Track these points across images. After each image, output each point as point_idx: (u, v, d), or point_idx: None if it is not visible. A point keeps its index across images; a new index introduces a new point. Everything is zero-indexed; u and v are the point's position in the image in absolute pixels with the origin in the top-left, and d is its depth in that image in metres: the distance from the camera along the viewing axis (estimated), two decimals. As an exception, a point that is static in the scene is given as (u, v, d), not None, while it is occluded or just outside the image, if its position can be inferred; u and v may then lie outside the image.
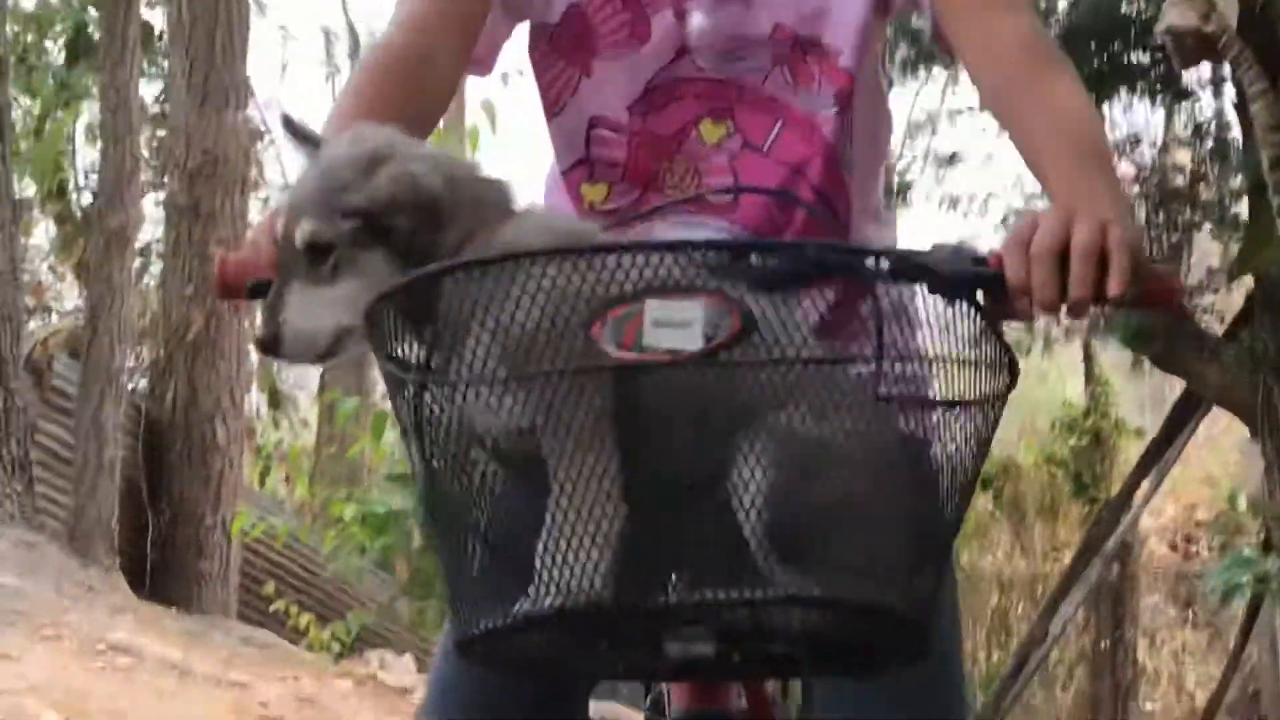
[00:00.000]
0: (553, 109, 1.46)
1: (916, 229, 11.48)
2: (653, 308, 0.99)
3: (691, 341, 0.98)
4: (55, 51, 10.65)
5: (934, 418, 1.04)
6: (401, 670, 7.35)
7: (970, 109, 7.50)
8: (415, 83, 1.35)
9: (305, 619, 7.49)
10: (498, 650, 1.12)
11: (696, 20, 1.39)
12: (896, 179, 7.10)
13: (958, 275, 1.01)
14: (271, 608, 7.84)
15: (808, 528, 1.00)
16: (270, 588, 7.93)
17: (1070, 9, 5.92)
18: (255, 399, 10.24)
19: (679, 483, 1.01)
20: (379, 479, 8.09)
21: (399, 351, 1.06)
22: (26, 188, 10.37)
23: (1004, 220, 7.34)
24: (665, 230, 1.34)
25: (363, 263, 1.10)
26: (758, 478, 0.99)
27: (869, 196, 1.47)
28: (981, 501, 9.77)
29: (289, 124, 1.24)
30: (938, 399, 1.03)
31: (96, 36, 9.54)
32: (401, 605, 7.65)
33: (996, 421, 1.05)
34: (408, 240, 1.09)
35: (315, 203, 1.12)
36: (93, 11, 10.22)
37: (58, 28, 10.54)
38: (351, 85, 1.42)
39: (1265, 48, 4.01)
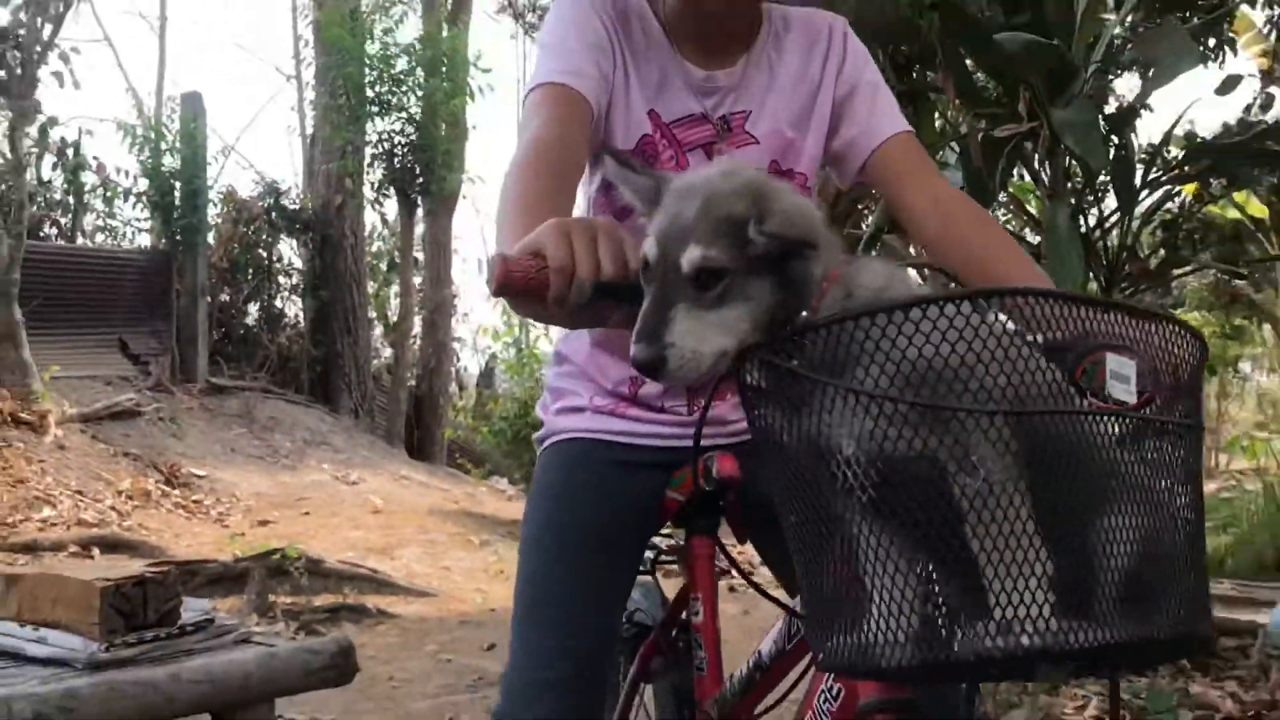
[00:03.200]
0: (621, 214, 1.54)
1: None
2: (1111, 361, 0.96)
3: (1129, 396, 0.95)
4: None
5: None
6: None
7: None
8: (567, 173, 1.43)
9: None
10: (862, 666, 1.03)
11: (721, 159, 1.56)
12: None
13: None
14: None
15: (1151, 575, 0.97)
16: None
17: None
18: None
19: (1075, 527, 0.95)
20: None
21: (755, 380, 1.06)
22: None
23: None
24: None
25: (753, 290, 1.04)
26: (1128, 526, 0.95)
27: None
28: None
29: (615, 155, 1.28)
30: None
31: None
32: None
33: None
34: (799, 271, 1.06)
35: (707, 232, 1.05)
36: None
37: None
38: (515, 179, 1.37)
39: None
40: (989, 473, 0.94)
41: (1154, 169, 3.07)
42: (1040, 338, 0.96)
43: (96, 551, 7.11)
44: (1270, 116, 12.96)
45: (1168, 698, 4.06)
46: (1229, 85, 7.53)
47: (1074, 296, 1.00)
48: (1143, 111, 3.09)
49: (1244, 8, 7.27)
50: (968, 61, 2.67)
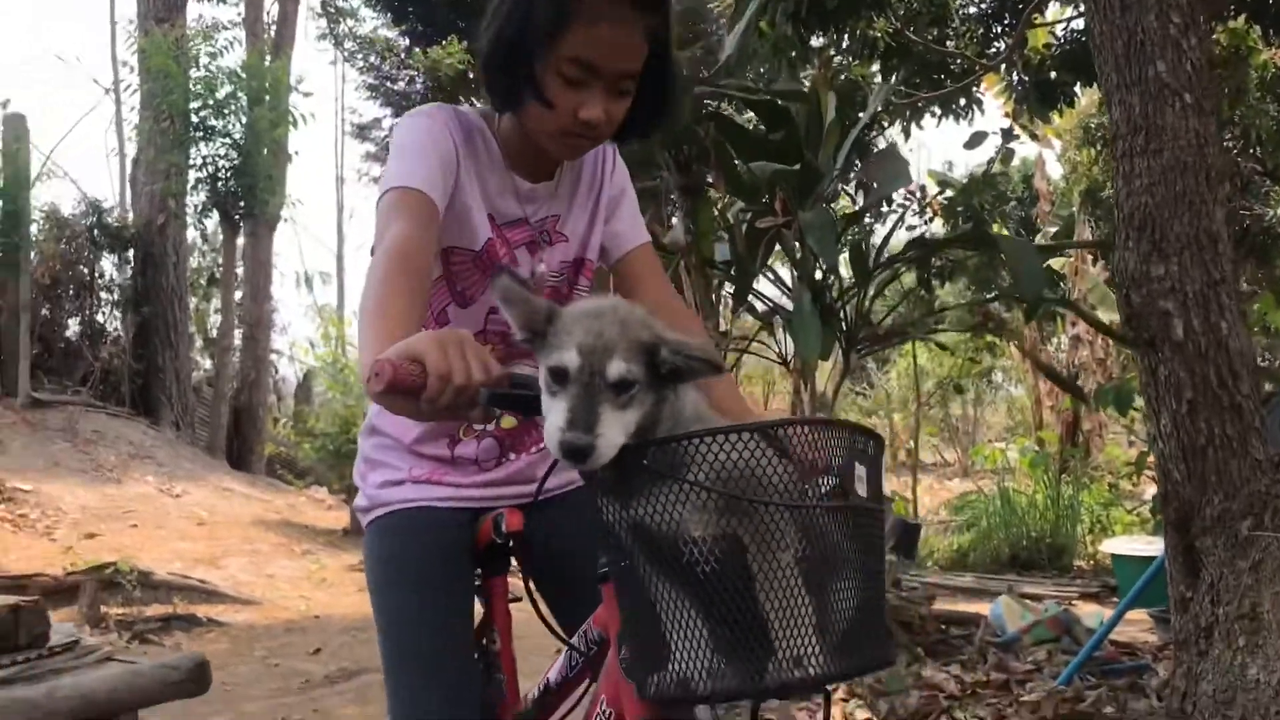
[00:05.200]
0: (463, 301, 1.72)
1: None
2: (858, 470, 1.26)
3: (865, 492, 1.26)
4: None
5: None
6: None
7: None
8: (424, 275, 1.54)
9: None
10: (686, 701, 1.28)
11: (542, 264, 1.82)
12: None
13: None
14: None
15: (864, 618, 1.24)
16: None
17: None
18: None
19: (830, 579, 1.21)
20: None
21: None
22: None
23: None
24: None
25: (648, 400, 1.24)
26: (848, 584, 1.23)
27: None
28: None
29: (514, 278, 1.32)
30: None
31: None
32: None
33: None
34: (677, 388, 1.28)
35: (626, 349, 1.22)
36: None
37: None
38: (383, 277, 1.45)
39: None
40: (783, 548, 1.17)
41: (883, 254, 3.57)
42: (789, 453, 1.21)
43: (-78, 568, 6.90)
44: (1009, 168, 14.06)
45: (900, 680, 4.57)
46: (976, 140, 8.24)
47: (814, 421, 1.26)
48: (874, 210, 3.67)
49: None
50: (736, 163, 3.07)
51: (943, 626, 5.60)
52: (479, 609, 1.91)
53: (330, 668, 5.65)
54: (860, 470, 1.26)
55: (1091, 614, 5.71)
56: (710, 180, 3.17)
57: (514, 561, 1.91)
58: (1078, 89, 8.21)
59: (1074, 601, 7.14)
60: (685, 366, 1.25)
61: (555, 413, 1.22)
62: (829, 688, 1.31)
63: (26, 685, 2.59)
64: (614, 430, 1.20)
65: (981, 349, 14.16)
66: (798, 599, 1.18)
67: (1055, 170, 14.40)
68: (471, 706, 1.73)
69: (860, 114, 3.57)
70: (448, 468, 1.86)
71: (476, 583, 1.88)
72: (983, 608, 6.10)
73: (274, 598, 7.60)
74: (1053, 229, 13.28)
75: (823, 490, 1.23)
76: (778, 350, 3.57)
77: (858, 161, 5.07)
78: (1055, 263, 12.34)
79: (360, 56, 20.42)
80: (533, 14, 1.59)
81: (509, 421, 1.86)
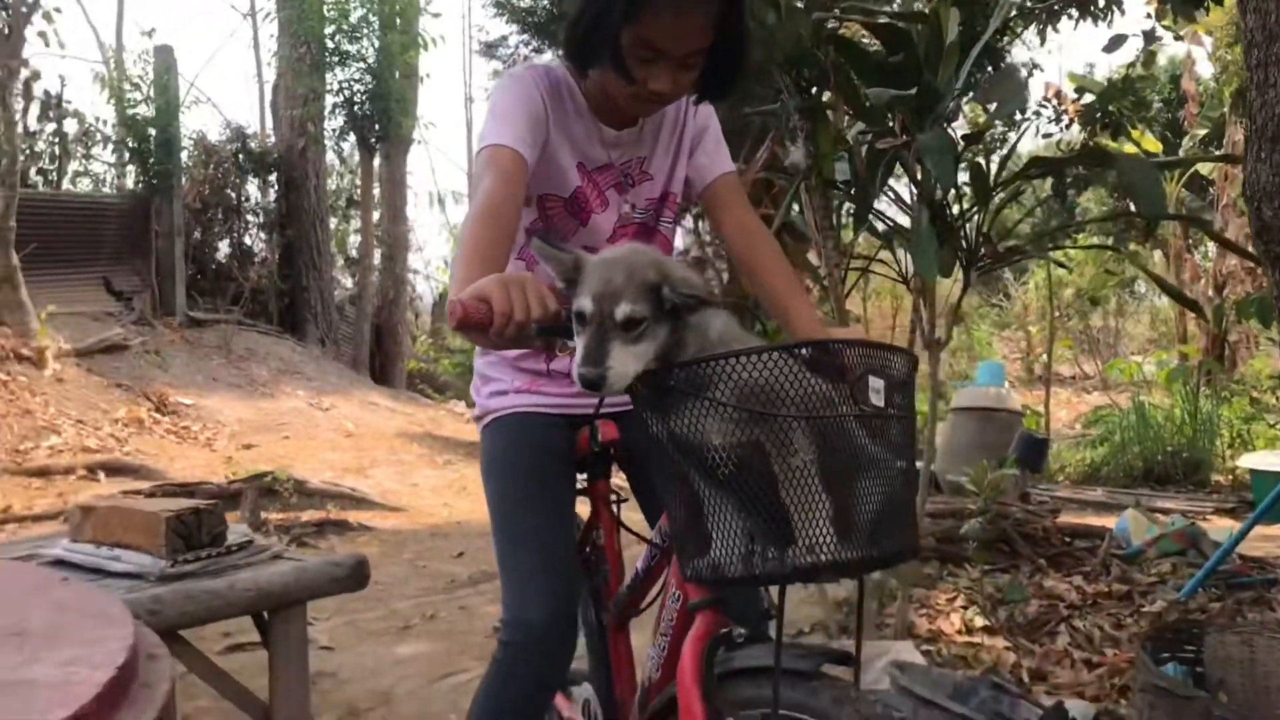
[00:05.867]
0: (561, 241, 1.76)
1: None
2: (871, 381, 1.40)
3: (880, 402, 1.40)
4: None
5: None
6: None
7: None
8: (510, 225, 1.71)
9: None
10: (721, 583, 1.47)
11: (627, 203, 2.05)
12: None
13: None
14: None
15: (887, 514, 1.40)
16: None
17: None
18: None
19: (852, 479, 1.38)
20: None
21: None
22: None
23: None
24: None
25: (659, 332, 1.42)
26: (873, 484, 1.39)
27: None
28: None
29: (542, 238, 1.51)
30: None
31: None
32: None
33: None
34: (687, 320, 1.45)
35: (632, 291, 1.41)
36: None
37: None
38: (470, 234, 1.63)
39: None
40: (795, 453, 1.34)
41: (1004, 172, 3.58)
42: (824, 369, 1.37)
43: (102, 475, 7.50)
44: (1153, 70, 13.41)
45: (1021, 590, 4.66)
46: (1115, 44, 7.95)
47: (847, 341, 1.43)
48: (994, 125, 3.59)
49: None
50: (856, 85, 3.12)
51: (1067, 539, 5.62)
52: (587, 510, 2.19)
53: (472, 569, 5.97)
54: (876, 383, 1.40)
55: (1222, 529, 5.65)
56: (831, 102, 3.23)
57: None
58: (1227, -15, 7.83)
59: (1208, 517, 7.04)
60: (683, 302, 1.41)
61: (578, 350, 1.41)
62: (863, 576, 1.53)
63: (210, 579, 2.85)
64: (623, 362, 1.38)
65: (1121, 261, 13.72)
66: (815, 496, 1.34)
67: (1206, 70, 13.73)
68: (566, 581, 1.93)
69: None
70: (545, 380, 2.11)
71: (582, 486, 2.12)
72: (1111, 522, 6.08)
73: (418, 505, 7.99)
74: (1202, 131, 12.69)
75: (838, 401, 1.38)
76: (897, 269, 3.63)
77: (985, 76, 5.01)
78: (1204, 168, 11.85)
79: (487, -28, 20.55)
80: (615, 1, 1.75)
81: None
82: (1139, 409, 9.76)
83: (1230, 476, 8.86)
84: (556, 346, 1.57)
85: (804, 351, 1.37)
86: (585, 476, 2.14)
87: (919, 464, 3.49)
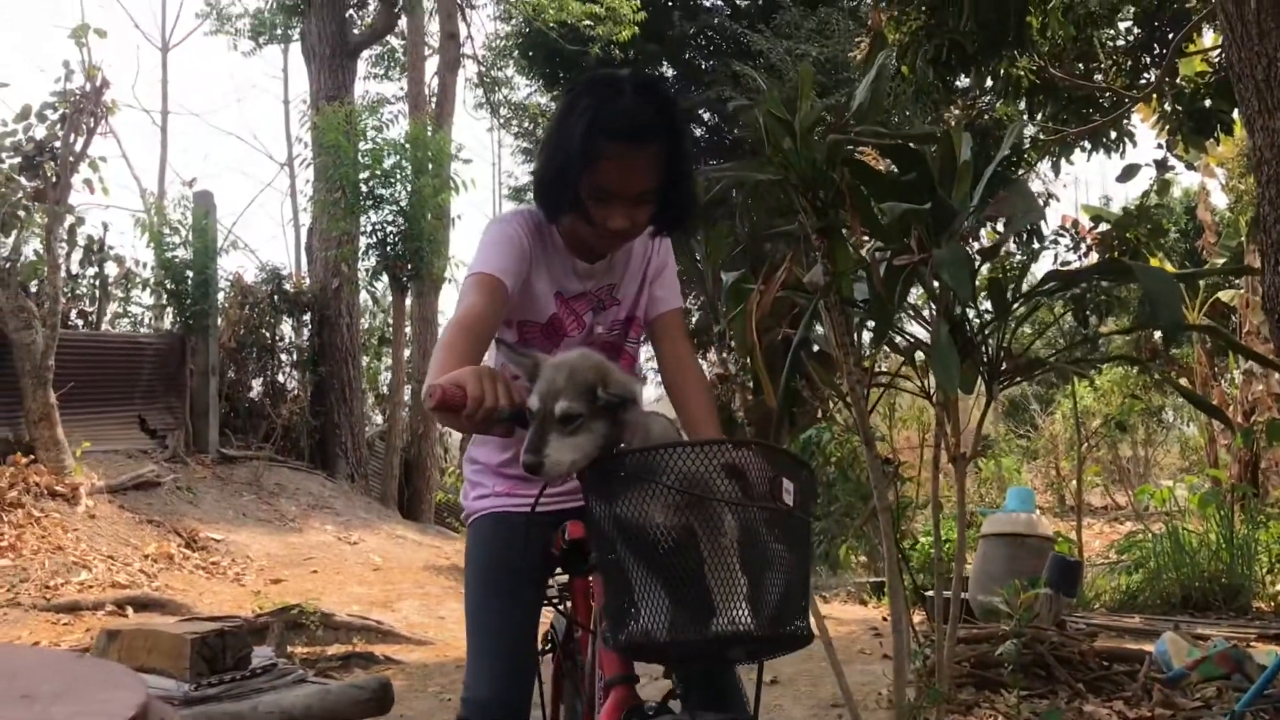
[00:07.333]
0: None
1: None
2: (785, 484, 1.60)
3: (791, 502, 1.60)
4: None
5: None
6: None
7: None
8: (485, 334, 1.93)
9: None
10: (648, 649, 1.61)
11: (600, 326, 2.27)
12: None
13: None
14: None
15: (787, 598, 1.60)
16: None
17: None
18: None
19: (762, 567, 1.57)
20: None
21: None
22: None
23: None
24: None
25: (594, 428, 1.61)
26: (781, 570, 1.59)
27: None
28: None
29: (507, 346, 1.82)
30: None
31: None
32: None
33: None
34: (622, 418, 1.65)
35: (571, 391, 1.61)
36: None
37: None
38: (449, 339, 1.86)
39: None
40: (724, 533, 1.54)
41: (1023, 286, 3.62)
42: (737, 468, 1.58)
43: (130, 610, 7.45)
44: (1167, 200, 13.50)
45: (1060, 715, 4.51)
46: (1129, 174, 8.02)
47: (756, 445, 1.64)
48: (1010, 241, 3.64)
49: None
50: (871, 204, 3.18)
51: (1105, 663, 5.47)
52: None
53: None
54: (788, 485, 1.59)
55: (1267, 655, 5.47)
56: (845, 222, 3.29)
57: None
58: (1235, 115, 7.97)
59: (1252, 644, 6.83)
60: (616, 401, 1.62)
61: (526, 439, 1.61)
62: (760, 661, 1.71)
63: (234, 701, 2.83)
64: (559, 450, 1.58)
65: (1149, 387, 13.62)
66: (734, 575, 1.54)
67: (1220, 200, 13.88)
68: (517, 664, 2.11)
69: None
70: (523, 483, 2.26)
71: (563, 580, 2.29)
72: (1149, 647, 5.92)
73: (445, 638, 7.90)
74: (1220, 260, 12.77)
75: (755, 497, 1.57)
76: (920, 384, 3.63)
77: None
78: (1225, 295, 11.88)
79: (515, 122, 21.18)
80: (570, 157, 1.99)
81: None
82: (1173, 534, 9.56)
83: (1272, 603, 8.63)
84: (515, 433, 1.71)
85: (741, 450, 1.59)
86: (561, 572, 2.28)
87: (946, 593, 3.46)
